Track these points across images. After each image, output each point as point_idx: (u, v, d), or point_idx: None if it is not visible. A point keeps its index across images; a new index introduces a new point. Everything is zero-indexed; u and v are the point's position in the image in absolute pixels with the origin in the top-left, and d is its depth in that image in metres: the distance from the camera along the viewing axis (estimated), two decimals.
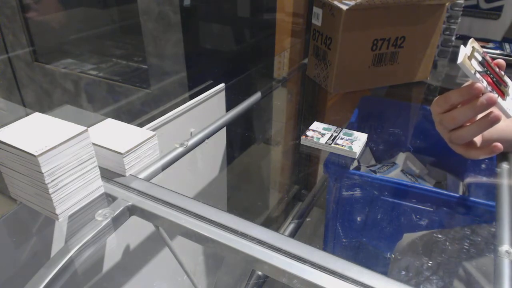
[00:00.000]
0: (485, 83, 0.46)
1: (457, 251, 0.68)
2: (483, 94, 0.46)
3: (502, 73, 0.52)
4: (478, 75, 0.46)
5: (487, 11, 1.21)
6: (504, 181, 0.61)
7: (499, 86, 0.49)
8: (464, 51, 0.47)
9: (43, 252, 0.54)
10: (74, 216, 0.48)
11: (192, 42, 1.21)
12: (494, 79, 0.49)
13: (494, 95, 0.45)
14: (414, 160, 1.07)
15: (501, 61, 0.51)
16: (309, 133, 0.79)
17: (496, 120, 0.46)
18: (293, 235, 0.99)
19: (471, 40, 0.50)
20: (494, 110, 0.47)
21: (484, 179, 0.84)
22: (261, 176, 1.48)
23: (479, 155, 0.52)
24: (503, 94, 0.48)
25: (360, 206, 0.81)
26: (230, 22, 1.36)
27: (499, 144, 0.49)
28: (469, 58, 0.47)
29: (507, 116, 0.47)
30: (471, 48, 0.49)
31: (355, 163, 1.04)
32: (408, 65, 1.00)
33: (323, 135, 0.78)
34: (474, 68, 0.46)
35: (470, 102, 0.47)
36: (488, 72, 0.48)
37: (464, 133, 0.50)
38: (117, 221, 0.48)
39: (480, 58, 0.49)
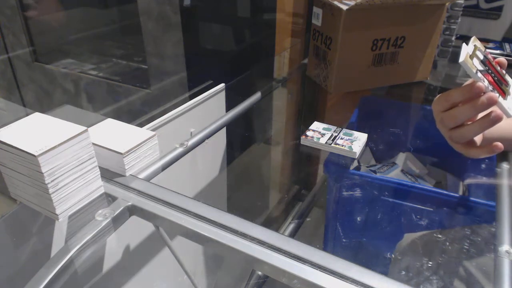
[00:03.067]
0: (486, 82, 0.46)
1: (457, 251, 0.68)
2: (484, 93, 0.46)
3: (504, 71, 0.51)
4: (479, 74, 0.46)
5: (487, 11, 1.21)
6: (504, 181, 0.61)
7: (500, 85, 0.49)
8: (466, 50, 0.47)
9: (43, 252, 0.54)
10: (74, 216, 0.48)
11: (192, 42, 1.21)
12: (496, 78, 0.49)
13: (495, 95, 0.45)
14: (414, 160, 1.07)
15: (503, 60, 0.51)
16: (309, 133, 0.79)
17: (497, 119, 0.46)
18: (293, 235, 1.00)
19: (473, 38, 0.50)
20: (495, 109, 0.47)
21: (484, 179, 0.84)
22: (261, 176, 1.48)
23: (479, 154, 0.52)
24: (504, 93, 0.48)
25: (360, 206, 0.81)
26: (230, 22, 1.36)
27: (499, 144, 0.49)
28: (471, 56, 0.47)
29: (508, 115, 0.47)
30: (473, 47, 0.49)
31: (355, 163, 1.04)
32: (408, 65, 1.00)
33: (323, 135, 0.78)
34: (475, 67, 0.46)
35: (471, 101, 0.47)
36: (490, 71, 0.48)
37: (465, 132, 0.50)
38: (117, 221, 0.48)
39: (481, 57, 0.49)
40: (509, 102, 0.48)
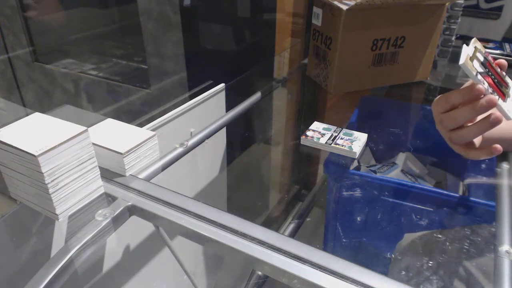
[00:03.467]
0: (486, 85, 0.46)
1: (457, 251, 0.68)
2: (484, 95, 0.46)
3: (504, 73, 0.51)
4: (479, 76, 0.46)
5: (487, 11, 1.21)
6: (504, 181, 0.61)
7: (500, 88, 0.49)
8: (466, 52, 0.47)
9: (43, 252, 0.54)
10: (74, 216, 0.48)
11: (192, 42, 1.21)
12: (496, 80, 0.49)
13: (495, 97, 0.45)
14: (414, 160, 1.07)
15: (503, 62, 0.51)
16: (309, 133, 0.79)
17: (497, 122, 0.46)
18: (293, 235, 1.00)
19: (473, 40, 0.50)
20: (495, 111, 0.47)
21: (484, 179, 0.84)
22: (261, 176, 1.48)
23: (479, 155, 0.52)
24: (503, 96, 0.48)
25: (360, 206, 0.81)
26: (230, 22, 1.36)
27: (498, 146, 0.49)
28: (471, 58, 0.47)
29: (507, 118, 0.47)
30: (473, 49, 0.49)
31: (355, 163, 1.04)
32: (408, 65, 1.00)
33: (323, 135, 0.78)
34: (475, 69, 0.46)
35: (470, 103, 0.47)
36: (490, 73, 0.48)
37: (464, 133, 0.50)
38: (117, 221, 0.48)
39: (482, 59, 0.49)
40: (508, 104, 0.48)
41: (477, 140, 0.54)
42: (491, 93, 0.46)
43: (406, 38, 0.94)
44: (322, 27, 0.96)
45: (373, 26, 0.90)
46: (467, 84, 0.51)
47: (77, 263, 0.43)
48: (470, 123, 0.50)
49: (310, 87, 1.15)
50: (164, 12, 1.17)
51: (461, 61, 0.45)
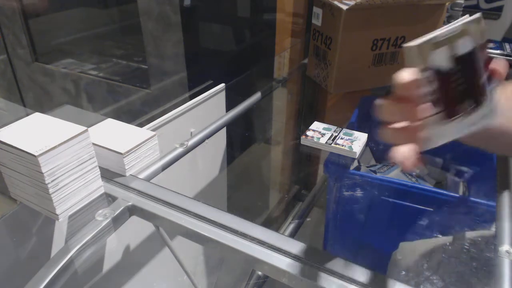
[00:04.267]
0: (427, 89, 0.32)
1: (457, 251, 0.68)
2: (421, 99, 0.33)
3: (495, 83, 0.35)
4: (427, 74, 0.32)
5: (487, 11, 1.21)
6: (504, 181, 0.61)
7: (458, 101, 0.33)
8: (437, 33, 0.32)
9: (43, 252, 0.54)
10: (74, 216, 0.48)
11: (192, 42, 1.21)
12: (460, 87, 0.33)
13: (421, 111, 0.32)
14: None
15: (500, 68, 0.35)
16: (309, 133, 0.79)
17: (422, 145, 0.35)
18: (293, 235, 1.00)
19: (478, 15, 0.34)
20: (425, 132, 0.35)
21: (484, 179, 0.84)
22: (261, 176, 1.48)
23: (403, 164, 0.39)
24: (454, 113, 0.33)
25: (360, 206, 0.81)
26: (230, 22, 1.36)
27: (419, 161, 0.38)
28: (439, 44, 0.32)
29: (423, 146, 0.36)
30: (460, 29, 0.32)
31: (355, 163, 1.04)
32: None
33: (323, 135, 0.78)
34: (430, 62, 0.32)
35: (400, 101, 0.36)
36: (462, 73, 0.33)
37: (388, 134, 0.38)
38: (117, 221, 0.48)
39: (466, 49, 0.32)
40: (450, 126, 0.34)
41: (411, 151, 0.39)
42: (435, 103, 0.33)
43: (406, 38, 0.94)
44: (322, 27, 0.96)
45: (373, 26, 0.90)
46: (405, 79, 0.34)
47: (77, 263, 0.43)
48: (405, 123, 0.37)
49: (310, 87, 1.15)
50: (164, 12, 1.17)
51: (411, 43, 0.32)
